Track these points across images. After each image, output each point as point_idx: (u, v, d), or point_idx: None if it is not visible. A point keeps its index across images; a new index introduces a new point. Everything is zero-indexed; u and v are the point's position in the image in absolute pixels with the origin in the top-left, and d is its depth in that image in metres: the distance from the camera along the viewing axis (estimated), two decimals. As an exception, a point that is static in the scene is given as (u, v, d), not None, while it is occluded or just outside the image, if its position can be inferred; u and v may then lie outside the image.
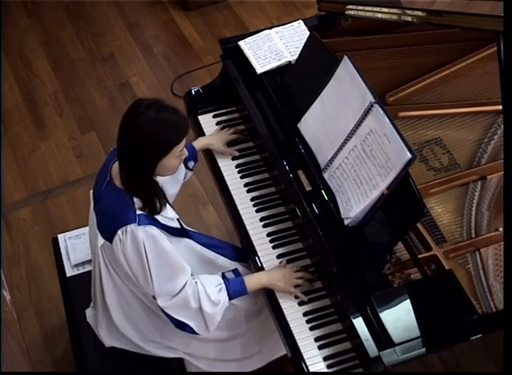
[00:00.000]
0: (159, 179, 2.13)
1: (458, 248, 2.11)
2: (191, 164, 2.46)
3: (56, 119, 3.88)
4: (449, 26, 2.24)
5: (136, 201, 2.02)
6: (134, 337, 2.30)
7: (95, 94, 3.99)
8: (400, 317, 1.88)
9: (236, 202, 2.41)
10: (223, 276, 2.18)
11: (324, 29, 2.60)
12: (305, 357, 2.04)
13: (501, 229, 2.13)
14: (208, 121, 2.66)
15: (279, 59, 2.52)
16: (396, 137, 1.94)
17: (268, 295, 2.20)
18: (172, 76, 4.04)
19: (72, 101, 3.96)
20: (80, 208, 3.41)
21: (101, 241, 2.09)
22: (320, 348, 2.05)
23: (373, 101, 2.03)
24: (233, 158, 2.53)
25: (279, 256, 2.26)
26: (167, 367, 2.37)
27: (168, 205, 2.14)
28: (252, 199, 2.41)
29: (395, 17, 2.37)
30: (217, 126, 2.62)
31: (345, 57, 2.14)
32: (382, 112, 2.00)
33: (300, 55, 2.44)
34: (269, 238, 2.30)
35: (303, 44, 2.42)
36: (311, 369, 2.02)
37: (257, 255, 2.27)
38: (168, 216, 2.12)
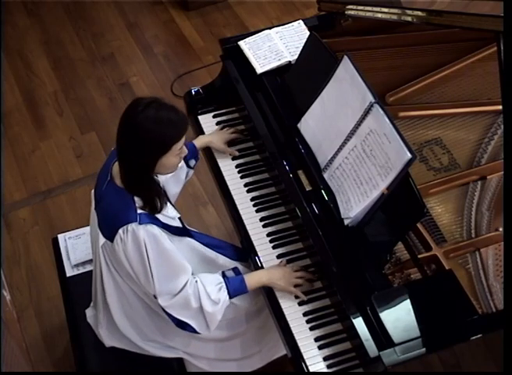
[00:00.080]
0: (161, 178, 2.13)
1: (458, 248, 2.11)
2: (192, 162, 2.46)
3: (56, 119, 3.88)
4: (449, 26, 2.24)
5: (137, 200, 2.02)
6: (134, 337, 2.30)
7: (95, 94, 3.99)
8: (399, 317, 1.88)
9: (236, 202, 2.41)
10: (223, 275, 2.18)
11: (324, 29, 2.60)
12: (305, 357, 2.04)
13: (501, 229, 2.13)
14: (207, 121, 2.66)
15: (279, 59, 2.52)
16: (396, 137, 1.95)
17: (268, 295, 2.19)
18: (172, 76, 4.04)
19: (72, 101, 3.96)
20: (80, 208, 3.41)
21: (102, 240, 2.09)
22: (320, 348, 2.05)
23: (373, 101, 2.03)
24: (233, 158, 2.53)
25: (279, 256, 2.26)
26: (167, 367, 2.37)
27: (169, 203, 2.14)
28: (252, 199, 2.41)
29: (395, 17, 2.37)
30: (217, 127, 2.62)
31: (345, 57, 2.14)
32: (382, 112, 2.01)
33: (300, 55, 2.44)
34: (269, 238, 2.30)
35: (303, 44, 2.43)
36: (311, 369, 2.02)
37: (257, 255, 2.27)
38: (170, 214, 2.12)
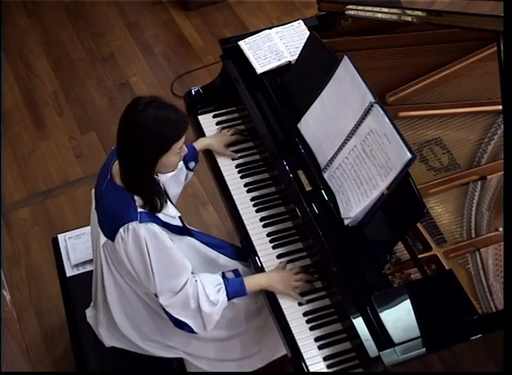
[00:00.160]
0: (161, 178, 2.13)
1: (458, 248, 2.11)
2: (192, 165, 2.46)
3: (56, 119, 3.88)
4: (449, 26, 2.24)
5: (137, 199, 2.02)
6: (134, 337, 2.30)
7: (95, 94, 3.99)
8: (400, 317, 1.88)
9: (236, 202, 2.41)
10: (223, 276, 2.18)
11: (324, 29, 2.60)
12: (305, 357, 2.04)
13: (501, 229, 2.13)
14: (207, 121, 2.66)
15: (279, 59, 2.52)
16: (396, 137, 1.95)
17: (268, 295, 2.20)
18: (172, 76, 4.04)
19: (72, 101, 3.96)
20: (80, 208, 3.41)
21: (102, 239, 2.09)
22: (320, 348, 2.05)
23: (373, 101, 2.03)
24: (233, 158, 2.53)
25: (279, 256, 2.26)
26: (167, 367, 2.37)
27: (169, 203, 2.14)
28: (252, 199, 2.41)
29: (395, 17, 2.37)
30: (217, 127, 2.62)
31: (345, 57, 2.14)
32: (382, 112, 2.01)
33: (300, 55, 2.44)
34: (269, 238, 2.30)
35: (303, 44, 2.42)
36: (311, 369, 2.02)
37: (257, 255, 2.27)
38: (170, 214, 2.12)
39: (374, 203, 2.01)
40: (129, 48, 4.24)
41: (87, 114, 3.89)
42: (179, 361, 2.38)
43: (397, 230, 2.01)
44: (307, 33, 2.51)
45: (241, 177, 2.48)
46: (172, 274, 2.06)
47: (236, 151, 2.54)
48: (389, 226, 2.05)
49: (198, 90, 2.69)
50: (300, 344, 2.06)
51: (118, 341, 2.34)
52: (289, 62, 2.52)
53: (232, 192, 2.44)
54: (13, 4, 4.50)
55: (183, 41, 4.27)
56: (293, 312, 2.13)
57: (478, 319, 1.89)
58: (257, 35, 2.62)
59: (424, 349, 1.83)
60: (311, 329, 2.09)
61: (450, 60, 2.55)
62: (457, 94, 2.50)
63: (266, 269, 2.24)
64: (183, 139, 1.97)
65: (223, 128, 2.60)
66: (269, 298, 2.19)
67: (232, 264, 2.33)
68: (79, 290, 2.57)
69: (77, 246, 2.71)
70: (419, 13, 2.28)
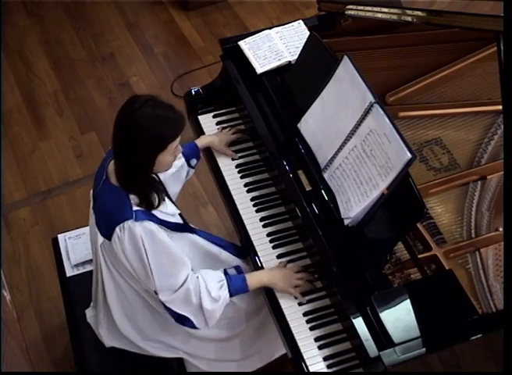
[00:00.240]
0: (161, 176, 2.13)
1: (458, 248, 2.11)
2: (194, 162, 2.46)
3: (56, 119, 3.88)
4: (449, 26, 2.24)
5: (133, 198, 2.02)
6: (134, 337, 2.30)
7: (95, 94, 3.99)
8: (400, 317, 1.88)
9: (236, 202, 2.41)
10: (225, 273, 2.18)
11: (324, 29, 2.60)
12: (305, 357, 2.04)
13: (501, 229, 2.13)
14: (208, 121, 2.66)
15: (279, 59, 2.52)
16: (396, 137, 1.94)
17: (268, 295, 2.19)
18: (172, 76, 4.04)
19: (72, 101, 3.96)
20: (80, 208, 3.41)
21: (100, 239, 2.09)
22: (320, 348, 2.05)
23: (373, 101, 2.03)
24: (233, 158, 2.53)
25: (279, 256, 2.26)
26: (167, 367, 2.37)
27: (168, 200, 2.14)
28: (252, 199, 2.41)
29: (395, 17, 2.37)
30: (217, 127, 2.62)
31: (345, 57, 2.14)
32: (382, 112, 2.00)
33: (300, 55, 2.44)
34: (269, 238, 2.30)
35: (303, 44, 2.42)
36: (311, 369, 2.02)
37: (257, 255, 2.27)
38: (168, 211, 2.11)
39: (374, 203, 2.01)
40: (129, 48, 4.24)
41: (87, 114, 3.89)
42: (179, 361, 2.38)
43: (397, 230, 2.01)
44: (307, 33, 2.51)
45: (241, 177, 2.48)
46: (170, 271, 2.06)
47: (236, 151, 2.54)
48: (389, 226, 2.05)
49: (198, 90, 2.69)
50: (300, 344, 2.06)
51: (118, 342, 2.34)
52: (289, 62, 2.52)
53: (232, 192, 2.44)
54: (13, 4, 4.50)
55: (183, 41, 4.27)
56: (293, 312, 2.13)
57: (478, 319, 1.89)
58: (257, 35, 2.62)
59: (424, 349, 1.83)
60: (311, 329, 2.09)
61: (450, 60, 2.55)
62: (457, 94, 2.50)
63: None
64: (178, 139, 1.97)
65: (223, 128, 2.60)
66: (269, 298, 2.19)
67: (234, 260, 2.33)
68: (79, 290, 2.57)
69: (77, 246, 2.71)
70: (419, 13, 2.28)
